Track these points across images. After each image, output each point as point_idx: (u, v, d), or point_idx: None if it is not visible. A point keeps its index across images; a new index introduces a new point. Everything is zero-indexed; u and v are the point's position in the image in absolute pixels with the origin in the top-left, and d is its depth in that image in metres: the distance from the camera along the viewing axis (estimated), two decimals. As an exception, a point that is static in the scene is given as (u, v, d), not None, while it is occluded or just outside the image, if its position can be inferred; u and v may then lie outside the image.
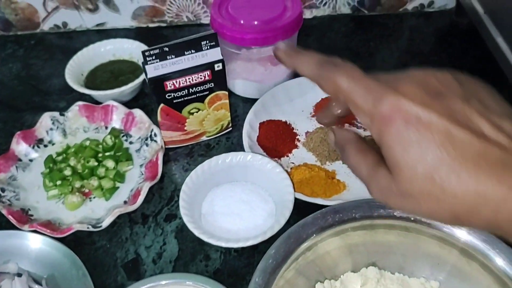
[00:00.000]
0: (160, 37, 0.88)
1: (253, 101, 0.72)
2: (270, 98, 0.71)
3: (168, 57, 0.58)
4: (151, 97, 0.60)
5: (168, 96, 0.61)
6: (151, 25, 0.90)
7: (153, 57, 0.58)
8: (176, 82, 0.60)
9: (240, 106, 0.75)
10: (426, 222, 0.47)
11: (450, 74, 0.32)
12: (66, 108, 0.72)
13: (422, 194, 0.30)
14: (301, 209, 0.60)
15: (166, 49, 0.57)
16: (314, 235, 0.47)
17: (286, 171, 0.61)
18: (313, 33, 0.88)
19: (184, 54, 0.59)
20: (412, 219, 0.48)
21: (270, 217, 0.57)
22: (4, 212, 0.58)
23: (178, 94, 0.61)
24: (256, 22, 0.67)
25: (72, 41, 0.89)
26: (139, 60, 0.76)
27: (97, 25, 0.90)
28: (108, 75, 0.76)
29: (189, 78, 0.60)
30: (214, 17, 0.68)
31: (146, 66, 0.58)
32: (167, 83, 0.59)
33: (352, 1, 0.88)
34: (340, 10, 0.90)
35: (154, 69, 0.58)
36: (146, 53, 0.57)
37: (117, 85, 0.73)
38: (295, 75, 0.76)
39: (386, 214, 0.48)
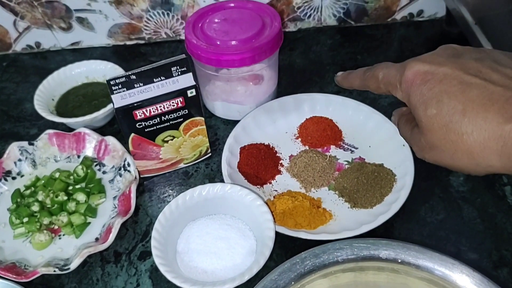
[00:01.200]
0: (138, 54, 0.84)
1: (234, 123, 0.68)
2: (251, 120, 0.67)
3: (135, 85, 0.54)
4: (121, 127, 0.56)
5: (139, 125, 0.57)
6: (128, 42, 0.86)
7: (119, 86, 0.54)
8: (147, 110, 0.56)
9: (221, 128, 0.71)
10: (414, 264, 0.44)
11: (468, 47, 0.37)
12: (37, 135, 0.68)
13: (441, 140, 0.34)
14: (284, 242, 0.56)
15: (133, 77, 0.54)
16: (293, 282, 0.43)
17: (269, 200, 0.57)
18: (298, 47, 0.84)
19: (153, 82, 0.55)
20: (399, 261, 0.44)
21: (250, 255, 0.53)
22: (-35, 255, 0.54)
23: (149, 122, 0.57)
24: (233, 43, 0.62)
25: (47, 61, 0.85)
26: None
27: (72, 44, 0.86)
28: (81, 99, 0.72)
29: (160, 106, 0.56)
30: (189, 38, 0.64)
31: (112, 96, 0.54)
32: (137, 112, 0.55)
33: (338, 13, 0.84)
34: (326, 22, 0.86)
35: (121, 99, 0.54)
36: (112, 82, 0.53)
37: (90, 110, 0.69)
38: (278, 93, 0.72)
39: (371, 256, 0.44)
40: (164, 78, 0.55)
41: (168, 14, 0.82)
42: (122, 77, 0.53)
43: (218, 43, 0.63)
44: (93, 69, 0.75)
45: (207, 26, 0.65)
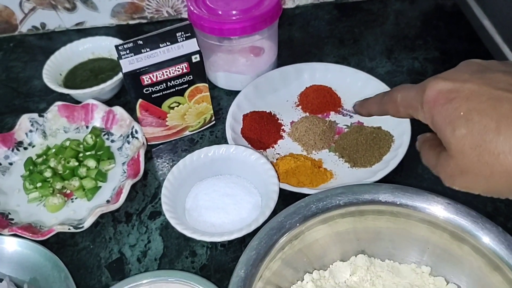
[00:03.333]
0: (141, 33, 0.85)
1: (236, 93, 0.70)
2: (253, 89, 0.70)
3: (142, 50, 0.57)
4: (129, 93, 0.59)
5: (146, 90, 0.59)
6: (131, 22, 0.89)
7: (127, 51, 0.56)
8: (153, 76, 0.58)
9: (224, 99, 0.73)
10: (413, 205, 0.46)
11: (495, 61, 0.34)
12: (47, 109, 0.70)
13: (474, 163, 0.31)
14: (287, 199, 0.58)
15: (140, 42, 0.56)
16: (298, 224, 0.45)
17: (272, 162, 0.59)
18: (296, 22, 0.86)
19: (159, 47, 0.57)
20: (398, 203, 0.46)
21: (256, 210, 0.56)
22: (-18, 218, 0.57)
23: (156, 88, 0.60)
24: (234, 12, 0.65)
25: (52, 41, 0.87)
26: (118, 57, 0.75)
27: (77, 24, 0.89)
28: (88, 73, 0.75)
29: (166, 71, 0.58)
30: (191, 9, 0.66)
31: (121, 61, 0.57)
32: (144, 77, 0.58)
33: (335, -12, 0.87)
34: (324, -2, 0.88)
35: (129, 64, 0.57)
36: (120, 47, 0.56)
37: (97, 83, 0.71)
38: (278, 65, 0.75)
39: (371, 199, 0.47)
40: (169, 43, 0.57)
41: (169, -7, 0.85)
42: (130, 42, 0.56)
43: (220, 13, 0.65)
44: (98, 45, 0.77)
45: (209, -2, 0.67)
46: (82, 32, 0.88)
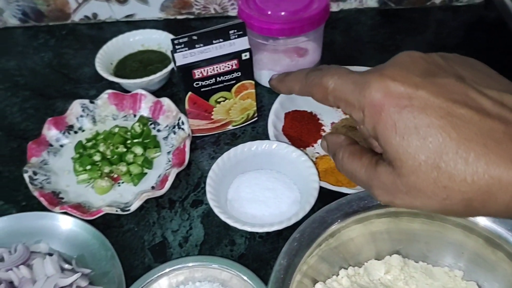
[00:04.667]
0: (188, 28, 0.90)
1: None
2: (295, 88, 0.72)
3: (196, 45, 0.59)
4: (179, 86, 0.62)
5: (196, 84, 0.62)
6: (179, 17, 0.92)
7: (182, 45, 0.59)
8: (204, 70, 0.61)
9: (266, 97, 0.76)
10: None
11: (437, 54, 0.31)
12: (96, 96, 0.74)
13: (429, 185, 0.27)
14: (325, 198, 0.60)
15: (195, 37, 0.59)
16: (339, 220, 0.47)
17: (311, 160, 0.61)
18: (340, 26, 0.88)
19: (212, 43, 0.60)
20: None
21: (295, 204, 0.58)
22: (36, 194, 0.60)
23: (205, 82, 0.62)
24: (283, 13, 0.67)
25: (102, 31, 0.91)
26: (167, 50, 0.78)
27: (127, 16, 0.92)
28: (137, 64, 0.78)
29: (216, 67, 0.61)
30: (242, 7, 0.69)
31: (175, 54, 0.59)
32: (195, 71, 0.60)
33: (379, -6, 0.88)
34: (367, 4, 0.90)
35: (183, 57, 0.59)
36: (175, 41, 0.58)
37: (146, 74, 0.74)
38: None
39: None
40: (222, 40, 0.60)
41: (217, -9, 0.87)
42: (185, 36, 0.58)
43: (269, 13, 0.68)
44: (148, 38, 0.81)
45: (259, -1, 0.70)
46: (131, 24, 0.91)
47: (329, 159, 0.63)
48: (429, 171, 0.27)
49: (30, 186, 0.61)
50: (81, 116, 0.72)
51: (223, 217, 0.54)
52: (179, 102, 0.72)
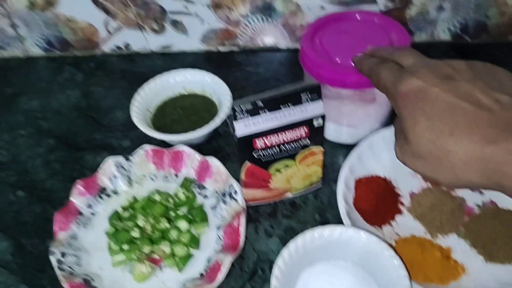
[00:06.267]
0: (233, 63, 0.78)
1: (342, 147, 0.62)
2: (367, 148, 0.61)
3: (260, 111, 0.49)
4: (234, 155, 0.51)
5: (256, 153, 0.51)
6: (222, 48, 0.81)
7: (244, 114, 0.48)
8: (268, 139, 0.50)
9: (328, 153, 0.64)
10: None
11: (464, 62, 0.39)
12: (130, 147, 0.64)
13: (428, 155, 0.37)
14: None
15: (260, 104, 0.48)
16: None
17: (390, 244, 0.50)
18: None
19: (280, 108, 0.49)
20: None
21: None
22: (65, 285, 0.50)
23: (267, 152, 0.51)
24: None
25: (135, 64, 0.81)
26: (213, 95, 0.68)
27: (163, 47, 0.81)
28: (179, 112, 0.67)
29: (282, 135, 0.50)
30: (307, 53, 0.58)
31: (235, 123, 0.48)
32: (257, 140, 0.50)
33: (454, 27, 0.76)
34: (439, 37, 0.78)
35: (245, 127, 0.49)
36: (236, 108, 0.47)
37: (190, 125, 0.64)
38: (392, 118, 0.65)
39: None
40: (291, 105, 0.49)
41: (267, 20, 0.76)
42: (248, 103, 0.47)
43: (338, 60, 0.56)
44: (190, 80, 0.69)
45: (325, 40, 0.58)
46: (167, 56, 0.81)
47: (415, 246, 0.52)
48: (428, 144, 0.37)
49: (58, 272, 0.51)
50: (115, 176, 0.61)
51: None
52: (227, 159, 0.62)
